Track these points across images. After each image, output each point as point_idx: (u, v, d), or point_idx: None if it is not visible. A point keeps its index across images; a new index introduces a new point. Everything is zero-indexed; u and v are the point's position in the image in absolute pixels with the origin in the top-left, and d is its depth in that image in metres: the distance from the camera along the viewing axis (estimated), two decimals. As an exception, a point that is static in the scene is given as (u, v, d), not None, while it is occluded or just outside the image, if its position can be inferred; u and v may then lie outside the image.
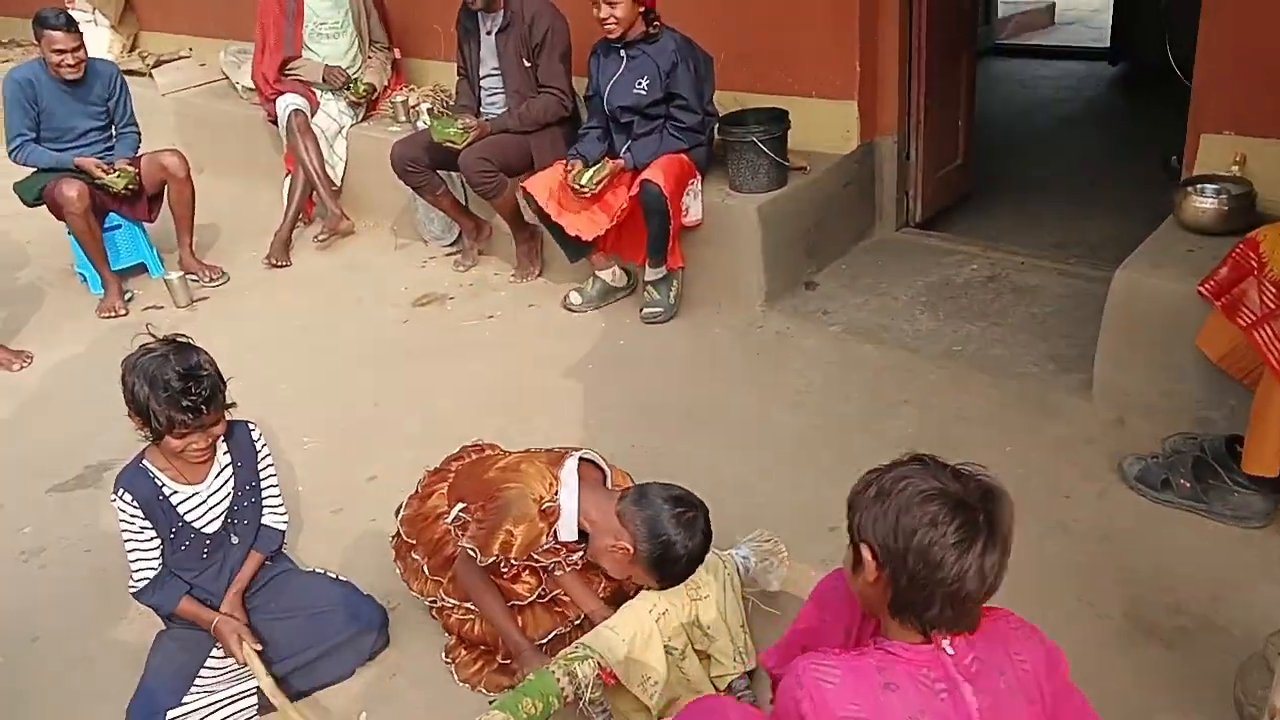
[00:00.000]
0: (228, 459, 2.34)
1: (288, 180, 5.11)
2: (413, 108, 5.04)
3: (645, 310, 3.94)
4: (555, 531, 2.21)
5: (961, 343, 3.52)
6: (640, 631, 2.12)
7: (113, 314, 4.51)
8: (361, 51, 5.23)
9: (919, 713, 1.45)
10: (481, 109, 4.39)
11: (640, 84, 3.73)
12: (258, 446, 2.38)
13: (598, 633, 2.13)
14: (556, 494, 2.21)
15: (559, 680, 2.02)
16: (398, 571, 2.52)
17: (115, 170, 4.44)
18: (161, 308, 4.56)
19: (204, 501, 2.31)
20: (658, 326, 3.91)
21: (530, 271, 4.46)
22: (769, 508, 2.80)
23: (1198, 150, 3.23)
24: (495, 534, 2.18)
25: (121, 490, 2.22)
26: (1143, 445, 2.84)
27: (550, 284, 4.39)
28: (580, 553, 2.28)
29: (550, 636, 2.31)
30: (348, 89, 5.09)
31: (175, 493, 2.27)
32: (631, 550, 2.13)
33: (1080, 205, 4.60)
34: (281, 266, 4.88)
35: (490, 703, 2.03)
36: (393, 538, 2.57)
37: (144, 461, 2.26)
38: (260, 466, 2.40)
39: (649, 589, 2.18)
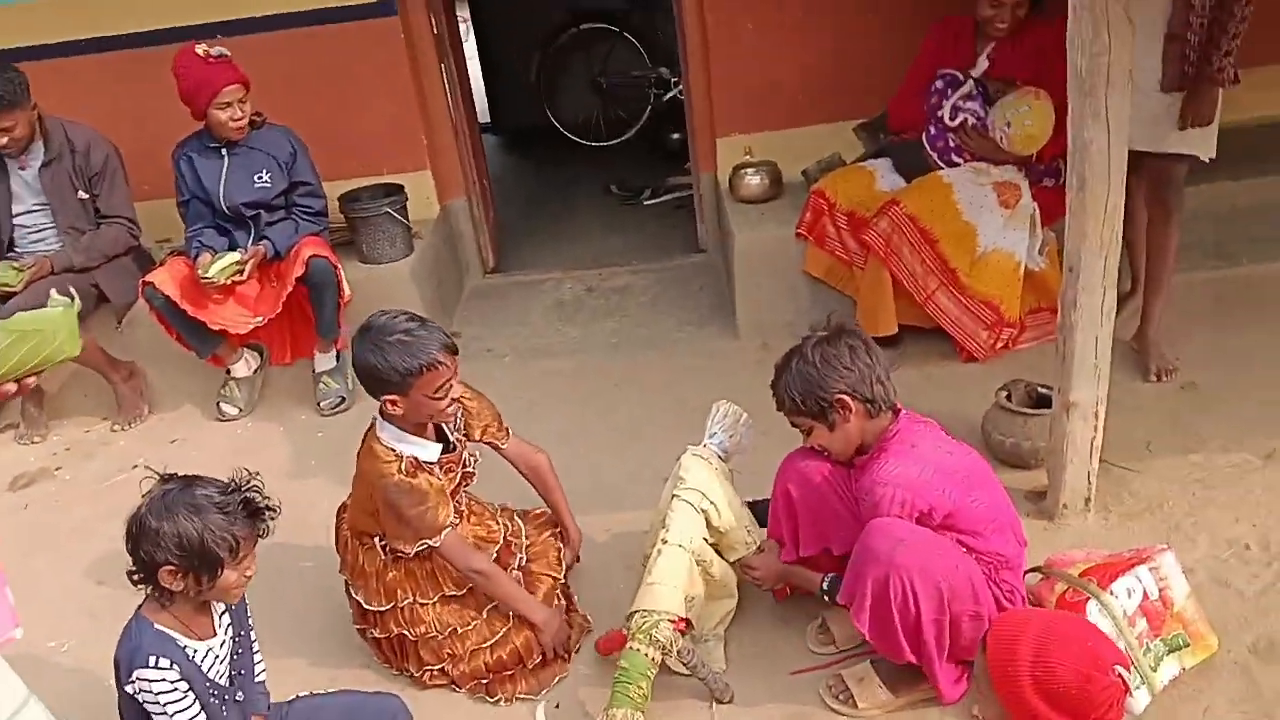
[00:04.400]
0: (221, 605, 2.05)
1: None
2: None
3: (324, 402, 3.87)
4: (424, 465, 2.36)
5: (614, 335, 4.24)
6: (682, 568, 2.38)
7: None
8: None
9: (934, 448, 2.21)
10: (18, 250, 3.81)
11: (261, 177, 3.70)
12: None
13: (651, 592, 2.33)
14: (393, 449, 2.34)
15: (646, 654, 2.24)
16: (408, 673, 2.49)
17: None
18: None
19: (213, 653, 2.00)
20: (347, 413, 3.88)
21: (138, 413, 3.97)
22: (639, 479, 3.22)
23: (717, 150, 4.44)
24: (416, 520, 2.30)
25: (154, 659, 1.82)
26: (787, 354, 3.87)
27: (168, 417, 3.99)
28: (462, 452, 2.48)
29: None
30: None
31: (195, 651, 1.92)
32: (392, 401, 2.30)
33: (579, 229, 5.59)
34: None
35: (605, 710, 2.19)
36: (377, 648, 2.53)
37: (156, 626, 1.88)
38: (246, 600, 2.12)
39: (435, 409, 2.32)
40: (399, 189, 4.14)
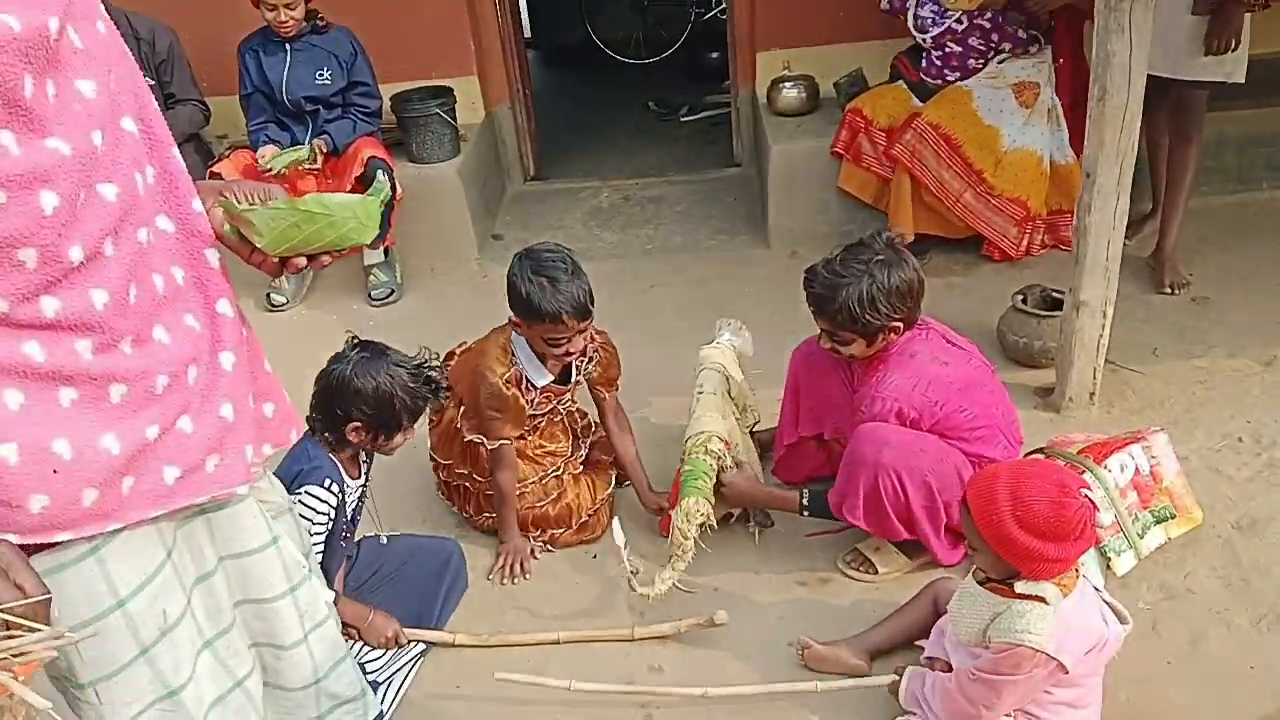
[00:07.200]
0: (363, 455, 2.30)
1: None
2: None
3: (375, 293, 4.08)
4: (529, 382, 2.53)
5: (650, 241, 4.42)
6: (718, 408, 2.62)
7: None
8: None
9: (931, 359, 2.36)
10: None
11: (322, 74, 3.88)
12: None
13: (698, 421, 2.55)
14: (513, 356, 2.51)
15: (704, 459, 2.46)
16: (466, 514, 2.76)
17: None
18: None
19: (354, 493, 2.26)
20: (396, 304, 4.10)
21: (196, 299, 4.22)
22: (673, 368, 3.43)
23: (756, 64, 4.55)
24: (485, 420, 2.50)
25: (329, 482, 2.10)
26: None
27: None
28: (568, 394, 2.66)
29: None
30: None
31: (349, 488, 2.20)
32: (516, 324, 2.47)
33: (617, 141, 5.73)
34: None
35: (681, 499, 2.37)
36: (440, 490, 2.80)
37: (332, 456, 2.15)
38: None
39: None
40: (448, 91, 4.29)
